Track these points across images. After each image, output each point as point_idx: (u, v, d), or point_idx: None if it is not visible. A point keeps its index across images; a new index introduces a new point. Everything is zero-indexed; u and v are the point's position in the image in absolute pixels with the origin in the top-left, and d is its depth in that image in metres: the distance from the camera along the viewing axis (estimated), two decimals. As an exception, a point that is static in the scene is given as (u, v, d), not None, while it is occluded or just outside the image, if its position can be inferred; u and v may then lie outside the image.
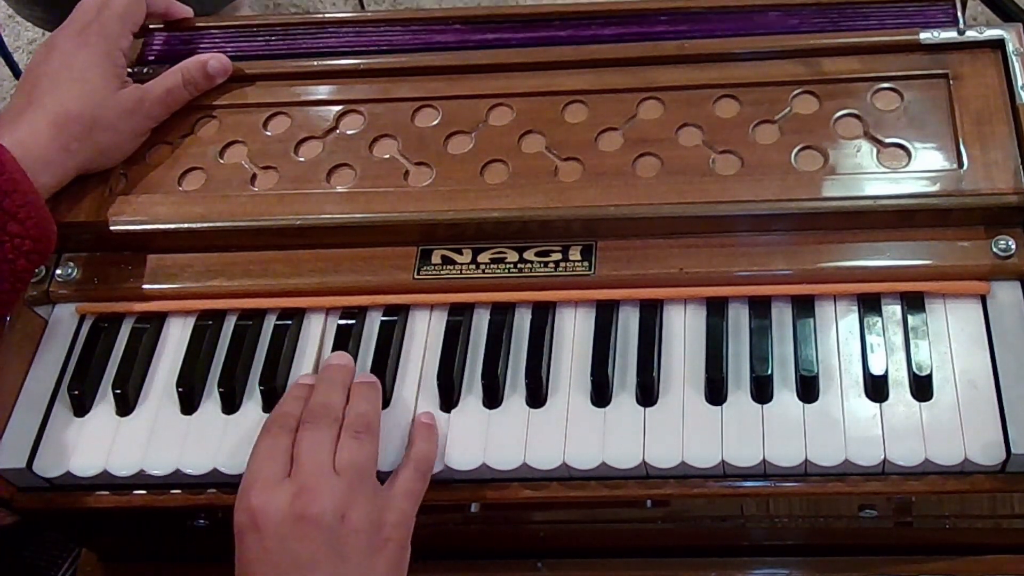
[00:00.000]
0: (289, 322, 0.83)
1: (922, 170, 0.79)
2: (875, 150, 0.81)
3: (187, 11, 0.96)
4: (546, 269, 0.81)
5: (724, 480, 0.75)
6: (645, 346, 0.78)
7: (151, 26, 0.95)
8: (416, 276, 0.82)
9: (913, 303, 0.77)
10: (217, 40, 0.94)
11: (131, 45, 0.90)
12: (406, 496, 0.73)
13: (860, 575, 0.85)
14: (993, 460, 0.71)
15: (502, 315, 0.81)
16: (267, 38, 0.94)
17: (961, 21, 0.84)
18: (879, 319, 0.77)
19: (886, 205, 0.78)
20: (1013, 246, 0.77)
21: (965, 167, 0.78)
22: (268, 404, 0.79)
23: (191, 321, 0.84)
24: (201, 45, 0.94)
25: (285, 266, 0.84)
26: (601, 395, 0.77)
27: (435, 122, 0.88)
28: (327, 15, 0.96)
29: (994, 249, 0.77)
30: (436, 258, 0.83)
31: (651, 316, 0.79)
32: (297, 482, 0.70)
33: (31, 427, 0.80)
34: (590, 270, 0.81)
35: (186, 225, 0.85)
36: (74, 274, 0.86)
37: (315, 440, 0.72)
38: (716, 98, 0.85)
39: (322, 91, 0.91)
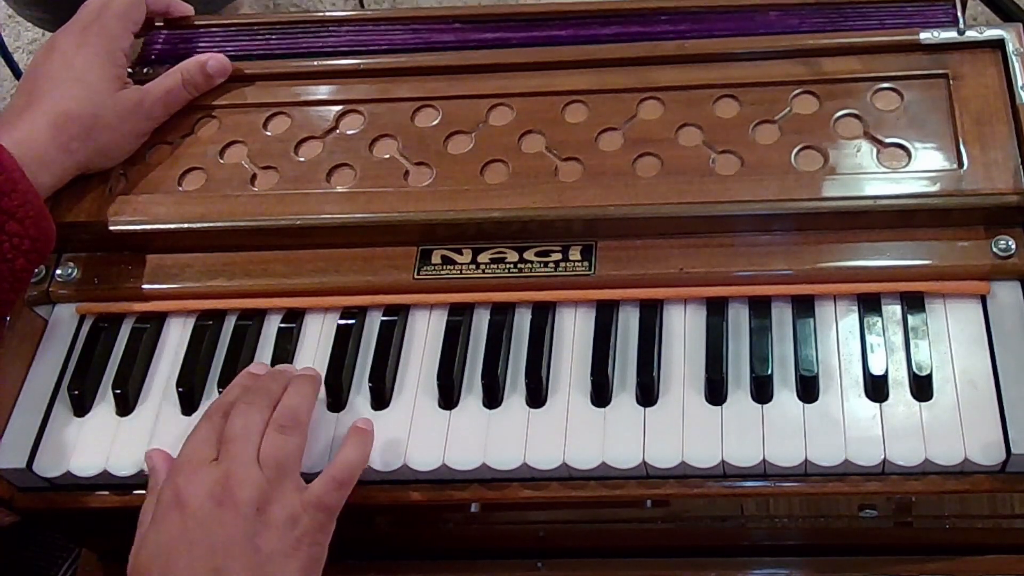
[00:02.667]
0: (289, 323, 0.83)
1: (922, 170, 0.79)
2: (875, 150, 0.81)
3: (188, 8, 0.96)
4: (546, 269, 0.81)
5: (724, 480, 0.75)
6: (645, 346, 0.78)
7: (155, 24, 0.95)
8: (416, 276, 0.82)
9: (913, 303, 0.77)
10: (217, 39, 0.94)
11: (132, 45, 0.90)
12: (318, 507, 0.72)
13: (860, 575, 0.85)
14: (993, 460, 0.71)
15: (502, 315, 0.81)
16: (267, 37, 0.94)
17: (961, 21, 0.84)
18: (879, 319, 0.77)
19: (886, 205, 0.78)
20: (1013, 246, 0.77)
21: (965, 167, 0.78)
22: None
23: (191, 321, 0.85)
24: (201, 44, 0.94)
25: (285, 266, 0.84)
26: (601, 395, 0.77)
27: (435, 122, 0.88)
28: (327, 14, 0.95)
29: (994, 249, 0.77)
30: (436, 258, 0.83)
31: (651, 316, 0.79)
32: (222, 467, 0.70)
33: (31, 427, 0.80)
34: (590, 270, 0.81)
35: (186, 225, 0.85)
36: (74, 274, 0.86)
37: (244, 425, 0.72)
38: (716, 98, 0.85)
39: (322, 91, 0.91)
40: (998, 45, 0.83)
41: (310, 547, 0.70)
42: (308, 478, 0.73)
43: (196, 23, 0.96)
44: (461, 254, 0.83)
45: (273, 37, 0.94)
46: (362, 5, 2.16)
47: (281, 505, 0.70)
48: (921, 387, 0.74)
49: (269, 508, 0.70)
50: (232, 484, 0.69)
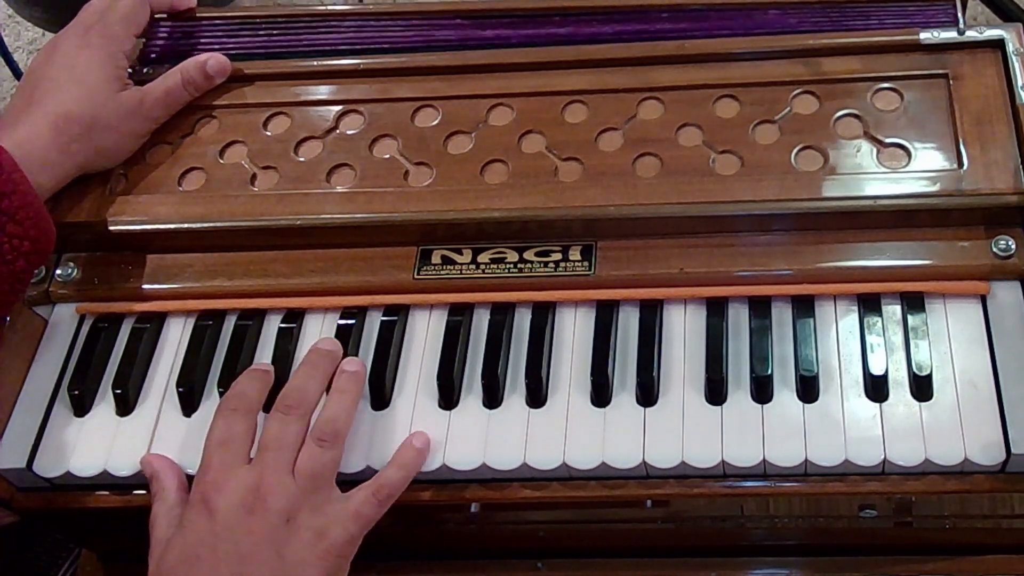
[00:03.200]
0: (289, 323, 0.83)
1: (922, 170, 0.79)
2: (875, 150, 0.81)
3: (191, 2, 0.96)
4: (546, 269, 0.81)
5: (724, 480, 0.75)
6: (645, 346, 0.78)
7: (155, 16, 0.95)
8: (416, 276, 0.82)
9: (913, 303, 0.77)
10: (217, 33, 0.94)
11: (134, 48, 0.90)
12: (355, 518, 0.72)
13: (860, 575, 0.85)
14: (993, 460, 0.71)
15: (502, 315, 0.81)
16: (268, 31, 0.94)
17: (961, 21, 0.84)
18: (879, 319, 0.77)
19: (886, 205, 0.78)
20: (1013, 246, 0.77)
21: (965, 167, 0.78)
22: (267, 404, 0.79)
23: (191, 321, 0.85)
24: (202, 38, 0.94)
25: (285, 266, 0.84)
26: (601, 395, 0.77)
27: (435, 122, 0.88)
28: (329, 7, 0.95)
29: (994, 249, 0.77)
30: (436, 258, 0.83)
31: (651, 316, 0.79)
32: (255, 474, 0.71)
33: (31, 427, 0.80)
34: (590, 270, 0.81)
35: (186, 225, 0.85)
36: (74, 274, 0.86)
37: (280, 435, 0.73)
38: (716, 98, 0.85)
39: (322, 91, 0.91)
40: (998, 45, 0.83)
41: (335, 559, 0.71)
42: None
43: (197, 15, 0.95)
44: (461, 254, 0.83)
45: (274, 32, 0.94)
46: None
47: (311, 516, 0.71)
48: (921, 387, 0.74)
49: (298, 518, 0.70)
50: (264, 493, 0.70)
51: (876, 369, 0.74)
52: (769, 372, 0.75)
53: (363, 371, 0.78)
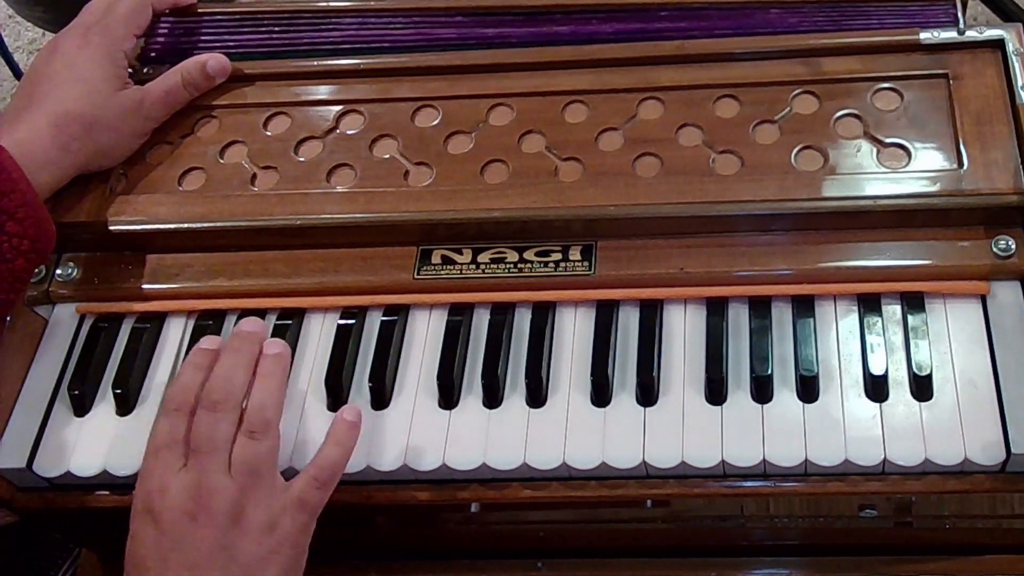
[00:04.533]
0: (289, 322, 0.83)
1: (922, 170, 0.79)
2: (875, 150, 0.81)
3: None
4: (546, 269, 0.81)
5: (724, 480, 0.75)
6: (645, 346, 0.78)
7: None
8: (416, 276, 0.82)
9: (913, 303, 0.77)
10: (219, 30, 0.94)
11: (134, 47, 0.90)
12: (300, 506, 0.71)
13: (860, 575, 0.85)
14: (993, 460, 0.71)
15: (502, 315, 0.81)
16: (269, 28, 0.94)
17: (961, 21, 0.84)
18: (879, 319, 0.77)
19: (886, 205, 0.78)
20: (1013, 246, 0.77)
21: (965, 167, 0.78)
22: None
23: (191, 321, 0.85)
24: (203, 35, 0.94)
25: (285, 266, 0.84)
26: (601, 395, 0.77)
27: (435, 122, 0.88)
28: (330, 3, 0.95)
29: (994, 249, 0.77)
30: (436, 258, 0.83)
31: (651, 316, 0.79)
32: (191, 475, 0.69)
33: (31, 427, 0.80)
34: (590, 270, 0.81)
35: (186, 225, 0.85)
36: (74, 274, 0.86)
37: (211, 434, 0.71)
38: (716, 98, 0.85)
39: (322, 91, 0.91)
40: (998, 45, 0.83)
41: (290, 549, 0.70)
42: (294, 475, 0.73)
43: (198, 11, 0.95)
44: (461, 254, 0.83)
45: (275, 29, 0.94)
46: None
47: (257, 511, 0.69)
48: (921, 387, 0.74)
49: (244, 516, 0.69)
50: (204, 497, 0.68)
51: (876, 369, 0.74)
52: (769, 372, 0.75)
53: (286, 352, 0.76)
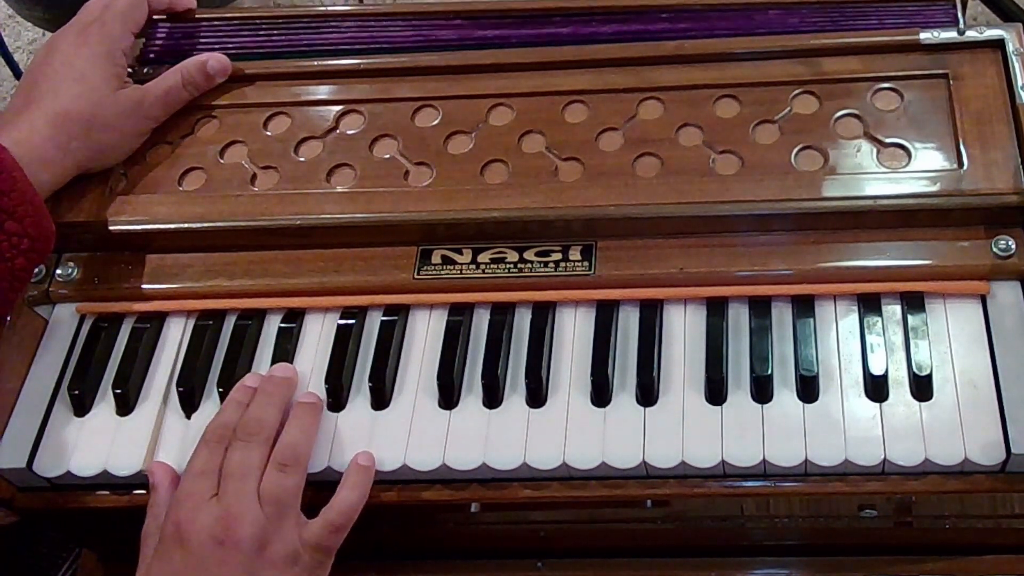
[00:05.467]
0: (289, 323, 0.83)
1: (922, 170, 0.79)
2: (875, 150, 0.81)
3: (191, 3, 0.96)
4: (546, 269, 0.81)
5: (724, 480, 0.75)
6: (645, 346, 0.78)
7: (154, 17, 0.95)
8: (416, 276, 0.82)
9: (913, 303, 0.77)
10: (217, 34, 0.94)
11: (132, 46, 0.90)
12: (316, 548, 0.73)
13: (860, 575, 0.85)
14: (993, 460, 0.71)
15: (502, 315, 0.81)
16: (268, 32, 0.94)
17: (961, 21, 0.84)
18: (879, 319, 0.77)
19: (886, 205, 0.78)
20: (1013, 246, 0.77)
21: (965, 167, 0.78)
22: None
23: (191, 321, 0.85)
24: (202, 39, 0.94)
25: (285, 266, 0.84)
26: (601, 395, 0.77)
27: (435, 122, 0.88)
28: (329, 7, 0.95)
29: (994, 249, 0.77)
30: (436, 258, 0.83)
31: (651, 316, 0.79)
32: (222, 505, 0.71)
33: (31, 427, 0.80)
34: (590, 270, 0.81)
35: (186, 225, 0.85)
36: (74, 274, 0.86)
37: (243, 462, 0.73)
38: (716, 98, 0.85)
39: (322, 91, 0.91)
40: (998, 45, 0.83)
41: None
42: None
43: (197, 16, 0.95)
44: (461, 254, 0.83)
45: (274, 32, 0.94)
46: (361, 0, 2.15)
47: (281, 544, 0.71)
48: (921, 387, 0.74)
49: (269, 547, 0.70)
50: (232, 523, 0.70)
51: (876, 369, 0.74)
52: (769, 372, 0.75)
53: (319, 404, 0.78)
